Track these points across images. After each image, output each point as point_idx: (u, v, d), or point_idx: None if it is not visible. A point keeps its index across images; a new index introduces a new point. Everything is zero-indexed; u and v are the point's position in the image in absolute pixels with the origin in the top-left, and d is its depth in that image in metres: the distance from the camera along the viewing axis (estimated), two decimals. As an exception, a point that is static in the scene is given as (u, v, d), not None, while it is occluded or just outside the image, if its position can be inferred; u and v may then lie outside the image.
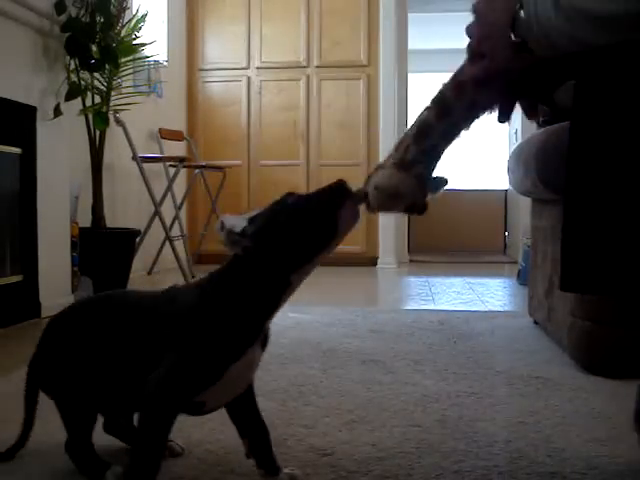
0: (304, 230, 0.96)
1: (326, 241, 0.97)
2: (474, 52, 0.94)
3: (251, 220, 0.98)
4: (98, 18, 2.99)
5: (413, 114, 6.79)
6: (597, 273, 0.96)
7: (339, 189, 0.97)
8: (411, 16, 5.46)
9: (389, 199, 0.95)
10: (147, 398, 0.94)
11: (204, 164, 4.64)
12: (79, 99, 2.99)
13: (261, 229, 0.97)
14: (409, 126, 0.99)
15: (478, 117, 0.97)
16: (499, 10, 0.90)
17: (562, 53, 0.87)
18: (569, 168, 0.95)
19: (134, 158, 3.74)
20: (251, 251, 0.96)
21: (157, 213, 3.85)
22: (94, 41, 2.97)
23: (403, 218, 5.33)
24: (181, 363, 0.94)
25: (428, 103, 0.99)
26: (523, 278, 3.73)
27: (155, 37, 4.10)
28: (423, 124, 0.97)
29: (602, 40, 0.81)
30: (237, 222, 0.97)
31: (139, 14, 3.44)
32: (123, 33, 3.28)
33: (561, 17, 0.80)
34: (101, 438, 1.14)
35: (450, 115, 0.95)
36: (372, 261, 4.99)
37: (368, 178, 0.98)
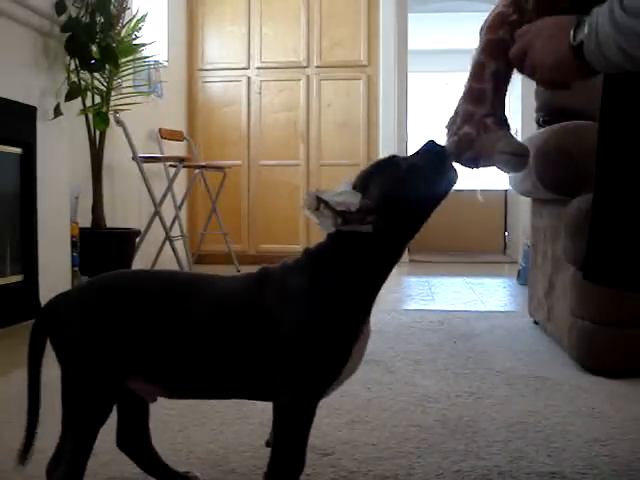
0: (426, 192, 0.94)
1: (440, 199, 0.96)
2: (536, 64, 0.97)
3: (360, 190, 0.92)
4: (98, 18, 2.99)
5: (413, 114, 6.73)
6: (622, 268, 0.97)
7: (440, 149, 0.98)
8: (411, 16, 5.46)
9: (526, 160, 1.02)
10: (290, 398, 0.89)
11: (204, 164, 4.64)
12: (79, 99, 2.99)
13: (386, 199, 0.92)
14: (473, 75, 1.06)
15: None
16: (561, 26, 0.93)
17: (615, 69, 0.89)
18: (599, 161, 0.97)
19: (134, 158, 3.74)
20: (379, 226, 0.91)
21: (157, 213, 3.85)
22: (94, 41, 2.97)
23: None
24: (311, 357, 0.90)
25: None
26: (523, 278, 3.73)
27: (155, 37, 4.09)
28: (499, 76, 1.04)
29: None
30: (347, 199, 0.90)
31: (139, 14, 3.44)
32: (123, 33, 3.29)
33: (617, 33, 0.83)
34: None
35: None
36: (372, 261, 4.99)
37: (466, 138, 1.02)
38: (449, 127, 1.06)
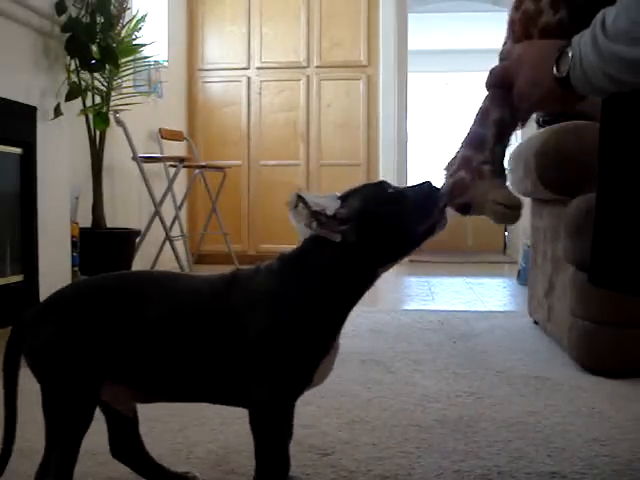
0: (405, 224, 0.93)
1: (419, 239, 0.94)
2: (522, 97, 0.97)
3: (341, 200, 0.92)
4: (98, 18, 2.99)
5: (413, 114, 6.72)
6: (627, 272, 0.97)
7: (433, 190, 0.96)
8: (411, 16, 5.46)
9: (517, 213, 0.98)
10: (261, 404, 0.91)
11: (204, 164, 4.64)
12: (79, 99, 2.99)
13: (361, 214, 0.91)
14: (477, 122, 1.03)
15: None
16: (543, 57, 0.93)
17: (603, 94, 0.90)
18: (601, 163, 0.97)
19: (134, 158, 3.74)
20: (350, 239, 0.90)
21: (157, 213, 3.85)
22: (94, 41, 2.97)
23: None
24: (278, 362, 0.90)
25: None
26: (523, 278, 3.73)
27: (155, 37, 4.10)
28: (502, 123, 1.01)
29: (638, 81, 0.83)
30: (326, 202, 0.90)
31: (139, 14, 3.44)
32: (123, 33, 3.29)
33: (601, 60, 0.83)
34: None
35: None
36: (372, 261, 4.99)
37: (461, 184, 0.99)
38: (447, 169, 1.04)
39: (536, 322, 2.47)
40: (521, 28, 0.98)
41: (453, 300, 3.35)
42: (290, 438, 1.02)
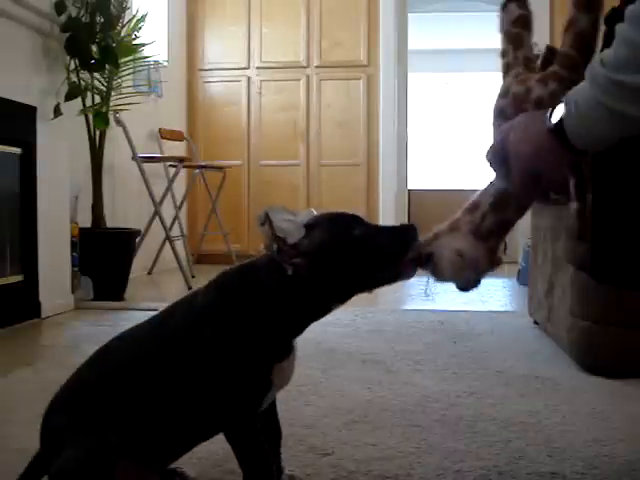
0: (365, 270, 0.89)
1: (381, 283, 0.92)
2: (513, 160, 0.90)
3: (307, 229, 0.88)
4: (98, 18, 2.99)
5: (413, 114, 6.71)
6: (626, 268, 0.97)
7: (409, 234, 0.91)
8: (411, 16, 5.46)
9: (469, 269, 0.92)
10: (227, 421, 0.92)
11: (204, 164, 4.64)
12: (79, 99, 2.99)
13: (320, 251, 0.88)
14: (484, 189, 0.97)
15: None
16: (535, 116, 0.89)
17: (599, 141, 0.85)
18: (595, 160, 0.96)
19: (134, 158, 3.73)
20: (302, 272, 0.88)
21: (157, 213, 3.84)
22: (94, 41, 2.97)
23: (403, 218, 5.33)
24: (224, 377, 0.90)
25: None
26: (523, 278, 3.73)
27: (155, 37, 4.09)
28: (503, 194, 0.95)
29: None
30: (290, 229, 0.87)
31: (139, 14, 3.43)
32: (123, 33, 3.28)
33: (600, 92, 0.80)
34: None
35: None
36: (372, 261, 4.98)
37: (434, 237, 0.95)
38: None
39: (536, 322, 2.47)
40: (513, 109, 0.94)
41: (453, 300, 3.35)
42: (280, 439, 1.04)
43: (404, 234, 0.92)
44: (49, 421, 0.94)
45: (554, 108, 0.86)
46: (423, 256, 0.93)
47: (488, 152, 0.95)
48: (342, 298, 0.93)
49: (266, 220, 0.86)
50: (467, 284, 0.94)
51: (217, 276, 0.97)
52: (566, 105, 0.84)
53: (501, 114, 0.97)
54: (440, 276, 0.93)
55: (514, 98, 0.96)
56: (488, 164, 0.95)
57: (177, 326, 0.95)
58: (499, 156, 0.91)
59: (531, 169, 0.87)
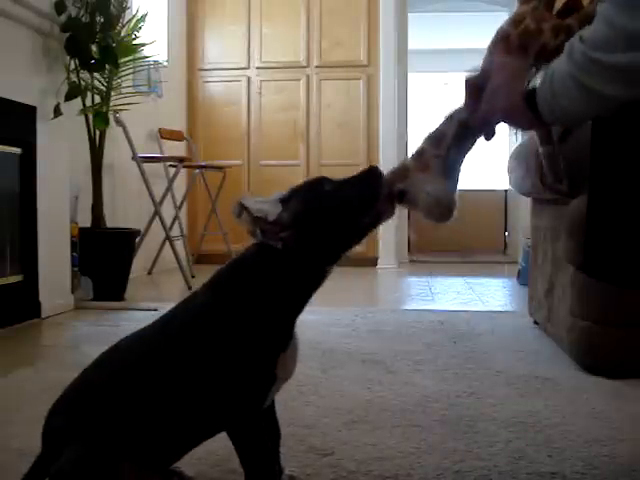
0: (347, 219, 0.91)
1: (367, 229, 0.93)
2: (488, 104, 0.95)
3: (282, 203, 0.90)
4: (98, 18, 2.99)
5: (413, 114, 6.71)
6: (620, 265, 0.97)
7: (374, 174, 0.94)
8: (411, 16, 5.46)
9: (446, 211, 0.96)
10: (231, 416, 0.91)
11: (204, 164, 4.64)
12: (79, 99, 2.99)
13: (301, 217, 0.90)
14: (448, 117, 1.01)
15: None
16: (521, 70, 0.92)
17: (563, 117, 0.88)
18: (593, 159, 0.97)
19: (134, 158, 3.73)
20: (291, 244, 0.89)
21: (157, 213, 3.84)
22: (94, 41, 2.97)
23: (403, 218, 5.33)
24: (225, 371, 0.90)
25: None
26: (523, 278, 3.73)
27: (155, 37, 4.09)
28: (462, 124, 0.98)
29: (618, 92, 0.81)
30: (267, 207, 0.89)
31: (139, 14, 3.43)
32: (123, 33, 3.28)
33: (576, 68, 0.82)
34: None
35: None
36: (372, 261, 4.98)
37: (404, 172, 0.97)
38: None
39: (536, 322, 2.46)
40: (517, 42, 0.95)
41: (453, 300, 3.35)
42: (279, 438, 1.04)
43: (370, 175, 0.95)
44: (51, 422, 0.94)
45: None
46: (396, 192, 0.96)
47: (470, 78, 0.99)
48: (334, 257, 0.94)
49: (241, 209, 0.89)
50: (441, 220, 0.97)
51: (212, 275, 0.98)
52: (544, 75, 0.86)
53: (504, 40, 0.98)
54: (415, 211, 0.97)
55: (524, 31, 0.97)
56: (464, 86, 1.00)
57: (180, 326, 0.95)
58: (473, 89, 0.97)
59: (499, 116, 0.94)
